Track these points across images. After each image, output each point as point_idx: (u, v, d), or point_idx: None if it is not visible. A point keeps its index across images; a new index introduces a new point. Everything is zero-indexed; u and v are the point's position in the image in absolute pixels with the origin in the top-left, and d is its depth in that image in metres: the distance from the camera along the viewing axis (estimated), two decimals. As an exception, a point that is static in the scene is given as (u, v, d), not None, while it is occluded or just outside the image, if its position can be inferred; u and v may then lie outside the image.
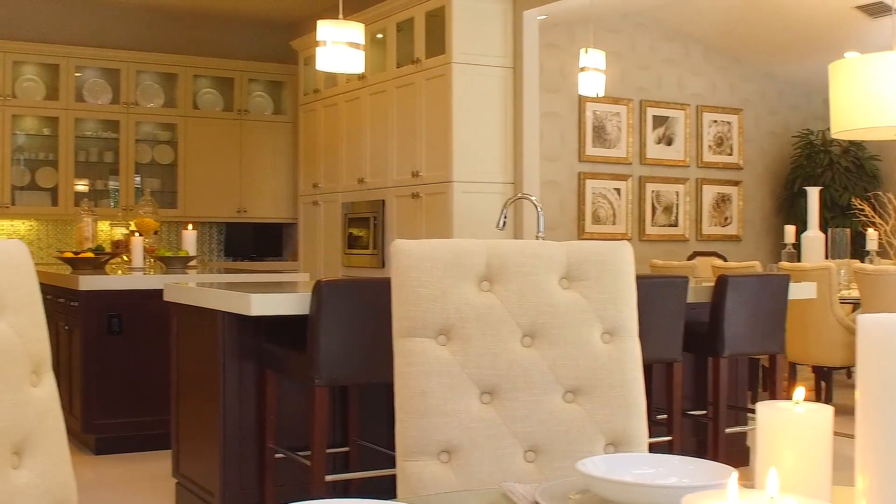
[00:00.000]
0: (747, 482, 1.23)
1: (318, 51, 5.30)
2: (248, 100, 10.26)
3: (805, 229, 7.94)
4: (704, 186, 10.24)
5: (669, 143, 10.00)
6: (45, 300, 1.69)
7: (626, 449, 1.94)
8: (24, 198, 9.39)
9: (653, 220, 9.89)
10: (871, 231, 7.48)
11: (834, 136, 4.14)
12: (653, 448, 3.88)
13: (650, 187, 9.87)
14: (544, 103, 8.67)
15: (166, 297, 4.47)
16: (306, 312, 3.57)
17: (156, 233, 6.87)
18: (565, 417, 1.91)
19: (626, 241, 2.07)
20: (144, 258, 6.30)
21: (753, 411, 5.02)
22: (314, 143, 9.24)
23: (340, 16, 5.40)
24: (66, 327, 5.67)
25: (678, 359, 4.36)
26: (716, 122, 10.32)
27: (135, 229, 6.66)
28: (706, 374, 5.04)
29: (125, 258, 6.63)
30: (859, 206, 7.70)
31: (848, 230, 7.97)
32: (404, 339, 1.84)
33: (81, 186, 9.57)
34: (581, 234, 9.45)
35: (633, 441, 1.95)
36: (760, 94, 10.69)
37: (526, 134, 7.33)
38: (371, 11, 8.07)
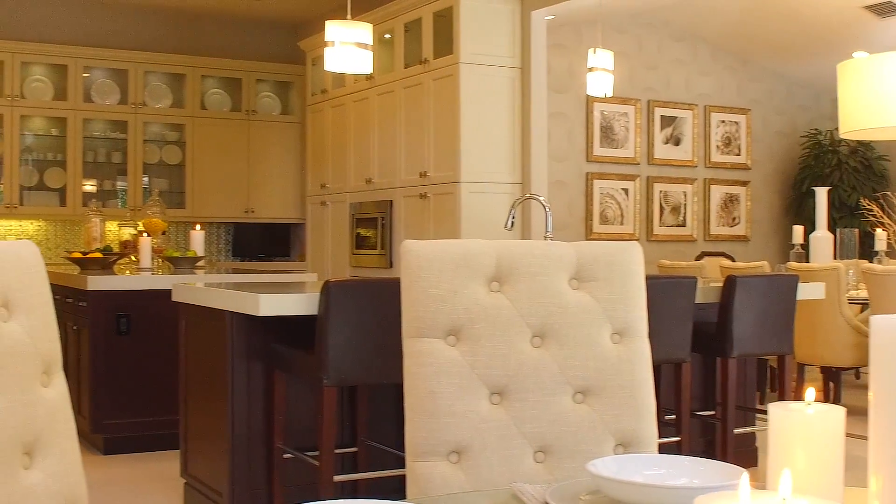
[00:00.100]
0: (758, 483, 1.23)
1: (327, 51, 5.31)
2: (256, 100, 10.27)
3: (813, 230, 7.93)
4: (712, 186, 10.23)
5: (677, 143, 9.98)
6: (53, 300, 1.69)
7: (636, 450, 1.93)
8: (33, 198, 9.41)
9: (660, 220, 9.88)
10: (879, 231, 7.46)
11: (842, 137, 4.13)
12: (661, 449, 3.88)
13: (658, 187, 9.87)
14: (552, 103, 8.66)
15: (175, 298, 4.47)
16: (315, 313, 3.57)
17: (164, 233, 6.88)
18: (575, 418, 1.91)
19: (634, 241, 2.07)
20: (152, 258, 6.31)
21: (762, 412, 5.02)
22: (322, 143, 9.25)
23: (349, 16, 5.40)
24: (75, 327, 5.68)
25: (687, 359, 4.36)
26: (724, 122, 10.30)
27: (143, 229, 6.67)
28: (714, 375, 5.04)
29: (133, 258, 6.64)
30: (868, 207, 7.68)
31: (856, 230, 7.95)
32: (414, 339, 1.84)
33: (89, 187, 9.59)
34: (589, 234, 9.44)
35: (642, 442, 1.94)
36: (768, 94, 10.67)
37: (534, 134, 7.33)
38: (379, 12, 8.08)
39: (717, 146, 10.26)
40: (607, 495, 1.35)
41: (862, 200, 8.62)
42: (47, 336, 1.63)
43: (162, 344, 5.46)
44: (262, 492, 4.02)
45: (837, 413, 1.11)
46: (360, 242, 8.47)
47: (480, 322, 1.87)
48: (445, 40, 7.36)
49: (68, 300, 5.78)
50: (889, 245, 7.41)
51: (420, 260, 1.86)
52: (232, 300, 3.83)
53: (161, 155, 9.92)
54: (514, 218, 5.00)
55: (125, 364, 5.49)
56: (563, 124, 9.28)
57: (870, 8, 8.66)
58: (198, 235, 6.35)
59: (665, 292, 4.20)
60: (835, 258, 7.68)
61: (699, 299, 4.41)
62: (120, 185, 9.77)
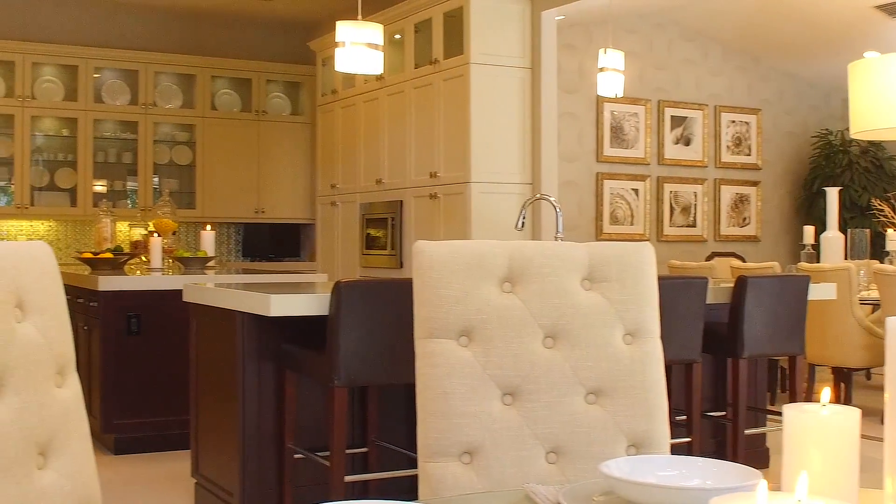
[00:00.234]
0: (773, 485, 1.23)
1: (337, 51, 5.31)
2: (266, 100, 10.28)
3: (824, 230, 7.91)
4: (723, 187, 10.21)
5: (687, 143, 9.97)
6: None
7: (648, 450, 1.93)
8: (44, 198, 9.43)
9: (671, 220, 9.87)
10: (890, 232, 7.44)
11: (853, 137, 4.12)
12: (672, 449, 3.88)
13: (668, 188, 9.85)
14: (562, 103, 8.66)
15: (185, 298, 4.48)
16: (325, 313, 3.57)
17: (174, 233, 6.89)
18: (587, 419, 1.91)
19: (646, 241, 2.07)
20: (163, 259, 6.32)
21: (773, 413, 5.01)
22: (332, 143, 9.26)
23: (359, 17, 5.40)
24: (86, 327, 5.69)
25: (697, 360, 4.35)
26: (734, 122, 10.28)
27: (153, 230, 6.68)
28: (725, 376, 5.03)
29: (144, 259, 6.65)
30: (879, 207, 7.66)
31: (867, 231, 7.93)
32: (426, 340, 1.84)
33: (100, 187, 9.62)
34: (599, 234, 9.43)
35: (654, 442, 1.94)
36: (779, 94, 10.65)
37: (544, 134, 7.32)
38: (389, 12, 8.08)
39: (728, 146, 10.24)
40: (620, 496, 1.35)
41: (873, 201, 8.59)
42: (61, 337, 1.64)
43: (172, 344, 5.47)
44: (272, 492, 4.02)
45: (852, 414, 1.11)
46: (370, 243, 8.48)
47: (493, 323, 1.87)
48: (456, 41, 7.36)
49: (79, 300, 5.79)
50: (900, 245, 7.38)
51: (432, 261, 1.86)
52: (242, 300, 3.84)
53: (171, 155, 9.94)
54: (524, 218, 5.00)
55: (136, 364, 5.50)
56: (574, 124, 9.27)
57: (881, 8, 8.64)
58: (208, 236, 6.36)
59: (676, 293, 4.20)
60: (846, 259, 7.66)
61: (710, 300, 4.40)
62: (130, 185, 9.80)
